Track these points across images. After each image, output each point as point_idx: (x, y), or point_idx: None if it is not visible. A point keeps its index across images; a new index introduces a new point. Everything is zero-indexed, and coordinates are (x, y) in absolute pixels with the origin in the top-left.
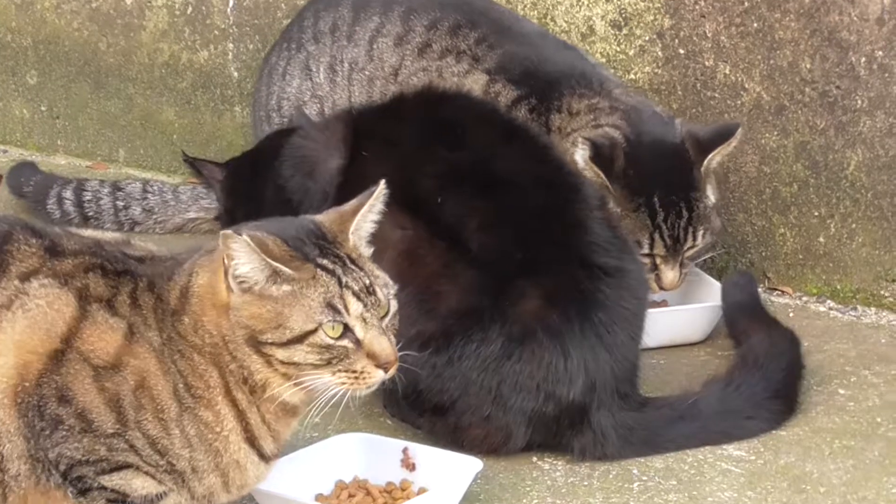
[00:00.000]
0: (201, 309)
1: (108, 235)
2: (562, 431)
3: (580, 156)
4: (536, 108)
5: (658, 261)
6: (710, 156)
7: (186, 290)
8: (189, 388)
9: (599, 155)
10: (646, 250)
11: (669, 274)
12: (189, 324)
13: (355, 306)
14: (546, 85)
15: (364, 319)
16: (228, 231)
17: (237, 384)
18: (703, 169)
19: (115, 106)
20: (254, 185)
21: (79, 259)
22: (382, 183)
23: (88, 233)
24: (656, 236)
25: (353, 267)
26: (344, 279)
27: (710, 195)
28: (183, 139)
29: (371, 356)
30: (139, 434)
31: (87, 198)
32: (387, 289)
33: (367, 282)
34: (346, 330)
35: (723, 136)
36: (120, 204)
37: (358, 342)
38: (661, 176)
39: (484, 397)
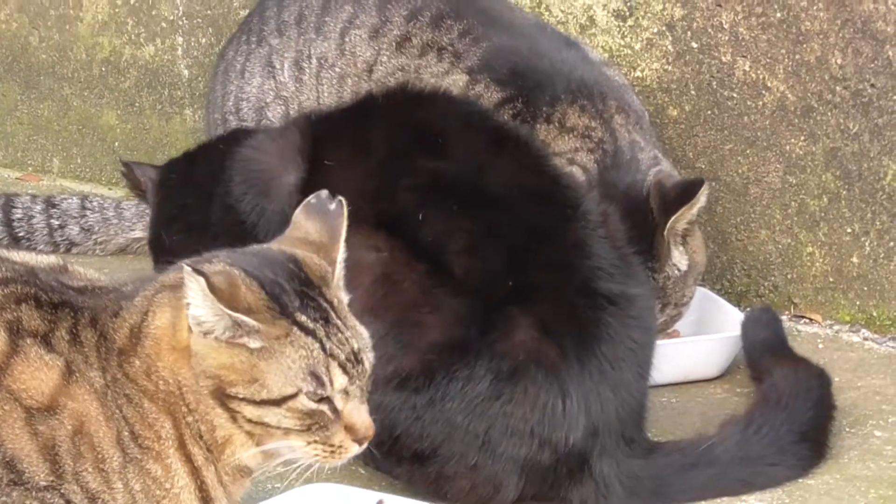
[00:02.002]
0: (156, 352)
1: (43, 260)
2: (559, 482)
3: None
4: (521, 114)
5: None
6: (672, 218)
7: (139, 330)
8: (136, 437)
9: None
10: None
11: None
12: (140, 367)
13: (340, 380)
14: (536, 87)
15: (347, 392)
16: (188, 266)
17: (193, 438)
18: (665, 233)
19: (49, 109)
20: (189, 177)
21: (9, 288)
22: (342, 199)
23: (20, 256)
24: None
25: (337, 322)
26: (328, 344)
27: (681, 262)
28: (126, 146)
29: (349, 429)
30: (77, 487)
31: (18, 216)
32: (370, 351)
33: (355, 347)
34: (326, 398)
35: (686, 195)
36: (55, 223)
37: (337, 412)
38: None
39: (470, 443)
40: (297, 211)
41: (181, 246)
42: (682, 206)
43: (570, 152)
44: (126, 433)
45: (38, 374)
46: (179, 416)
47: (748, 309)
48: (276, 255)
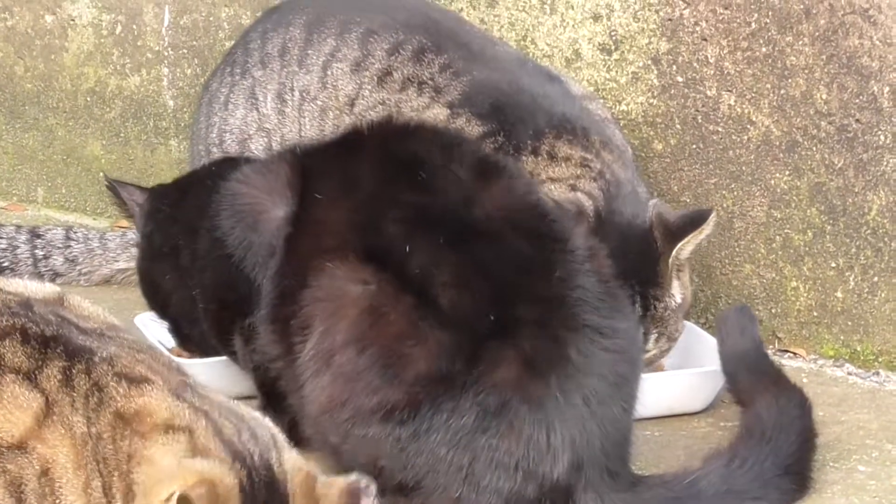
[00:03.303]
0: (143, 447)
1: (41, 290)
2: None
3: None
4: (503, 147)
5: None
6: (678, 245)
7: (161, 423)
8: (106, 491)
9: None
10: None
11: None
12: (126, 448)
13: None
14: (518, 121)
15: None
16: (198, 486)
17: None
18: (670, 261)
19: (34, 139)
20: (179, 210)
21: None
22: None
23: (14, 286)
24: None
25: None
26: None
27: (677, 294)
28: (111, 176)
29: None
30: None
31: (2, 246)
32: None
33: None
34: None
35: (694, 223)
36: (39, 253)
37: None
38: (619, 263)
39: (454, 476)
40: (341, 485)
41: (173, 286)
42: (690, 232)
43: (572, 178)
44: (97, 483)
45: (9, 415)
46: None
47: (722, 310)
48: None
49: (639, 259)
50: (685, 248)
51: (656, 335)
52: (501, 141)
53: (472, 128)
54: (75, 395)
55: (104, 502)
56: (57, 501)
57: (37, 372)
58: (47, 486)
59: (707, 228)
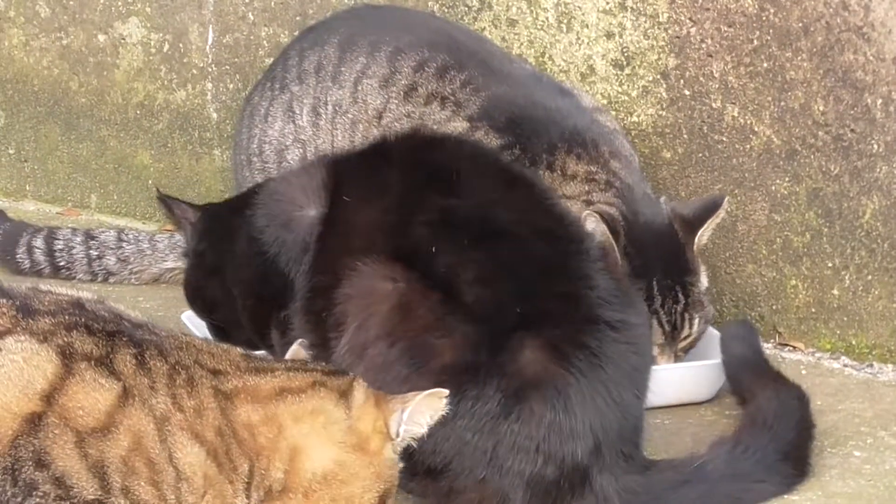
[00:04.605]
0: (287, 424)
1: (86, 295)
2: (562, 496)
3: (593, 229)
4: (519, 159)
5: (656, 351)
6: (699, 232)
7: (275, 394)
8: (216, 457)
9: (613, 231)
10: None
11: (664, 365)
12: (244, 418)
13: None
14: (533, 134)
15: None
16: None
17: (258, 486)
18: (694, 249)
19: (87, 149)
20: (227, 228)
21: (57, 318)
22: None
23: (64, 289)
24: (654, 323)
25: None
26: None
27: (704, 278)
28: (159, 184)
29: None
30: (124, 501)
31: (59, 246)
32: None
33: None
34: None
35: (709, 209)
36: (93, 253)
37: None
38: (657, 258)
39: (479, 459)
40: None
41: (223, 301)
42: (707, 219)
43: (584, 194)
44: (192, 450)
45: (93, 394)
46: (259, 466)
47: (724, 325)
48: None
49: (670, 253)
50: (704, 234)
51: (698, 318)
52: (518, 153)
53: (489, 140)
54: (155, 377)
55: (205, 470)
56: (156, 468)
57: (110, 357)
58: (139, 459)
59: (722, 213)
